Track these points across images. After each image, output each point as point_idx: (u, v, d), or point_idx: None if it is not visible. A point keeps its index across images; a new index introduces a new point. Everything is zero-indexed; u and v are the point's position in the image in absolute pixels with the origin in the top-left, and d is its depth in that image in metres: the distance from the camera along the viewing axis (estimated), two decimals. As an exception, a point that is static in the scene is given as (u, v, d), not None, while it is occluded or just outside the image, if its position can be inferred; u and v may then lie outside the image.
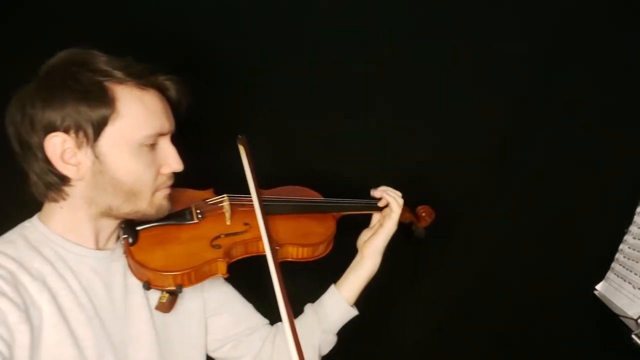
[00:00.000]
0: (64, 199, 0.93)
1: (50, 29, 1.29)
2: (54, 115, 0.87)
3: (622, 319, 1.14)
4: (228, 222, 1.07)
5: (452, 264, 1.63)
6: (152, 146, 0.94)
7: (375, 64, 1.45)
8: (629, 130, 1.43)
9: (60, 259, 0.92)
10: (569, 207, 1.54)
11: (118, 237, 1.02)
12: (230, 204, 1.08)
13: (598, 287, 1.26)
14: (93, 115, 0.88)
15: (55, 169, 0.89)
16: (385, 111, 1.50)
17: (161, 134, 0.95)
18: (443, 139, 1.53)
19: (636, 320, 1.08)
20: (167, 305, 0.99)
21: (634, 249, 1.21)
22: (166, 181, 0.98)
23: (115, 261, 0.99)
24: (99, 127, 0.88)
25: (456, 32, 1.43)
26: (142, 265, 0.94)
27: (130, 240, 0.97)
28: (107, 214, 0.95)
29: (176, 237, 1.01)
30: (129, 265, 0.97)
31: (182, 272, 0.94)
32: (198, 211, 1.06)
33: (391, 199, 1.19)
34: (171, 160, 0.97)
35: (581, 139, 1.48)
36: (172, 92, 0.98)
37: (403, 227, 1.29)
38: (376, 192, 1.21)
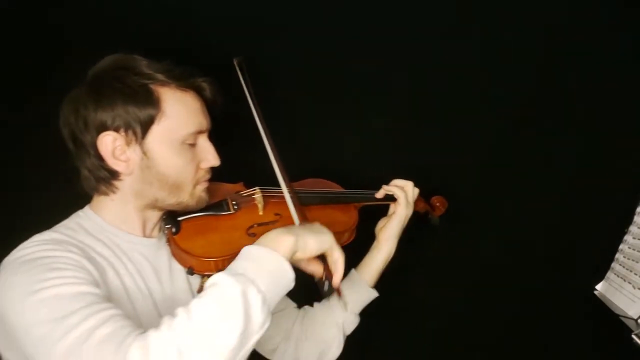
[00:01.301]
0: (114, 192, 1.01)
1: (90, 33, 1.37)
2: (105, 116, 0.95)
3: (622, 319, 1.14)
4: (260, 213, 1.14)
5: (451, 266, 1.66)
6: (192, 143, 1.03)
7: (391, 65, 1.50)
8: (629, 131, 1.47)
9: (116, 245, 1.00)
10: (569, 207, 1.57)
11: (160, 228, 1.10)
12: (263, 195, 1.16)
13: (598, 287, 1.26)
14: (141, 115, 0.96)
15: (106, 164, 0.98)
16: (400, 112, 1.56)
17: (200, 132, 1.03)
18: (443, 137, 1.58)
19: (636, 320, 1.08)
20: None
21: (634, 249, 1.20)
22: (205, 175, 1.06)
23: (161, 249, 1.07)
24: (147, 126, 0.97)
25: (458, 31, 1.47)
26: (186, 252, 1.02)
27: (174, 229, 1.05)
28: (153, 205, 1.03)
29: (215, 226, 1.08)
30: (173, 253, 1.05)
31: (223, 258, 1.01)
32: (234, 202, 1.13)
33: (394, 188, 1.27)
34: (210, 156, 1.05)
35: (581, 138, 1.52)
36: (208, 92, 1.06)
37: (420, 216, 1.37)
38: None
